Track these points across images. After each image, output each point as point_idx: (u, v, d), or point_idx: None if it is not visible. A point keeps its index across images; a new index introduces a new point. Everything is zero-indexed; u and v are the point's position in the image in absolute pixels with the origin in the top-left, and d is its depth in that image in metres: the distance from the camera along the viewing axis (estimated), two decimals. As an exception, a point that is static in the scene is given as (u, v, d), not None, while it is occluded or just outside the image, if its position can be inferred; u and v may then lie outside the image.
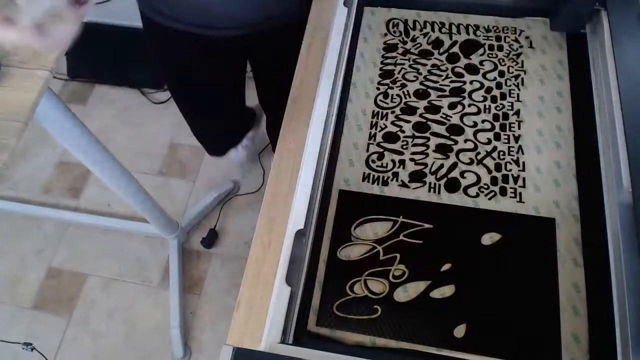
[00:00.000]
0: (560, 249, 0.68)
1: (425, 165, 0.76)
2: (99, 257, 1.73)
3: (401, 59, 0.87)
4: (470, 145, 0.77)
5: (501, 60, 0.85)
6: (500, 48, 0.86)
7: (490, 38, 0.87)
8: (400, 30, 0.90)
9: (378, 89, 0.84)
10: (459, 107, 0.81)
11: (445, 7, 0.91)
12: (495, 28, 0.89)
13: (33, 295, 1.68)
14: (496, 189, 0.74)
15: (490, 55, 0.86)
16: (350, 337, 0.65)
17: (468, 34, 0.88)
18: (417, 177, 0.75)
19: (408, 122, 0.81)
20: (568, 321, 0.63)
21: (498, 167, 0.75)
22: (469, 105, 0.81)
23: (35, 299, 1.67)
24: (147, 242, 1.73)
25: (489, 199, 0.73)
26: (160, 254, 1.71)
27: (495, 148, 0.77)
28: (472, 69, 0.85)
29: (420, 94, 0.83)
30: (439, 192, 0.74)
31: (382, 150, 0.78)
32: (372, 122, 0.81)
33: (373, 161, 0.77)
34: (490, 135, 0.78)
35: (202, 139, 1.57)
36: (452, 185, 0.74)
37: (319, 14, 0.86)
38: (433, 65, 0.86)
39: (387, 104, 0.83)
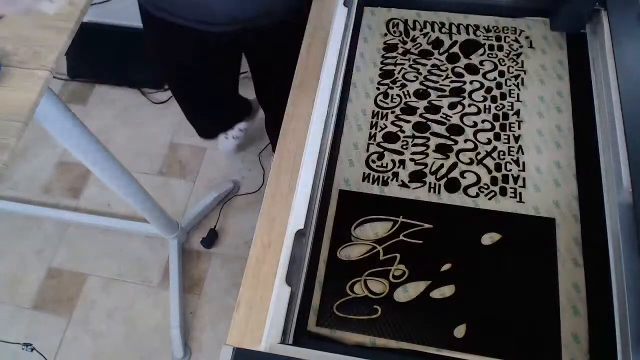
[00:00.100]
0: (560, 249, 0.68)
1: (425, 165, 0.76)
2: (99, 257, 1.72)
3: (401, 59, 0.87)
4: (470, 145, 0.77)
5: (501, 60, 0.85)
6: (500, 48, 0.86)
7: (490, 38, 0.87)
8: (400, 30, 0.90)
9: (378, 89, 0.84)
10: (459, 107, 0.81)
11: (445, 7, 0.91)
12: (495, 28, 0.89)
13: (33, 295, 1.68)
14: (496, 189, 0.74)
15: (490, 55, 0.86)
16: (350, 337, 0.65)
17: (468, 34, 0.88)
18: (417, 177, 0.75)
19: (408, 122, 0.81)
20: (568, 321, 0.63)
21: (498, 167, 0.75)
22: (469, 105, 0.81)
23: (35, 299, 1.67)
24: (147, 242, 1.73)
25: (489, 199, 0.73)
26: (160, 254, 1.71)
27: (495, 148, 0.77)
28: (472, 69, 0.85)
29: (420, 94, 0.83)
30: (439, 192, 0.74)
31: (382, 150, 0.78)
32: (372, 122, 0.81)
33: (373, 161, 0.77)
34: (490, 135, 0.78)
35: (193, 122, 1.59)
36: (452, 185, 0.74)
37: (319, 14, 0.86)
38: (433, 65, 0.86)
39: (387, 104, 0.83)
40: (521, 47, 0.86)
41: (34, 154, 1.96)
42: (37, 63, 0.82)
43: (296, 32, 0.89)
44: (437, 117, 0.80)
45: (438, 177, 0.75)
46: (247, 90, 1.40)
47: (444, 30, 0.89)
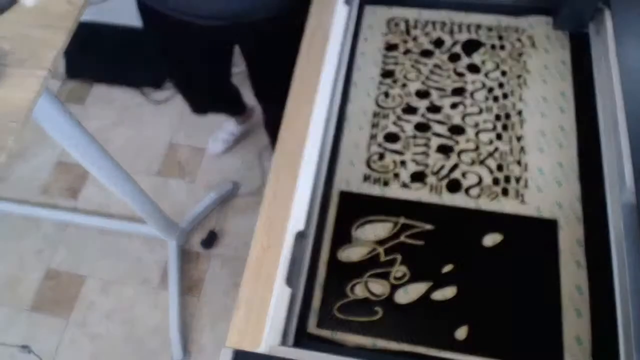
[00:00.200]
0: (562, 250, 0.67)
1: (427, 165, 0.76)
2: (98, 258, 1.72)
3: (402, 59, 0.86)
4: (472, 145, 0.77)
5: (503, 60, 0.84)
6: (502, 47, 0.86)
7: (492, 37, 0.87)
8: (402, 29, 0.90)
9: (379, 88, 0.84)
10: (461, 107, 0.80)
11: (447, 6, 0.91)
12: (497, 27, 0.88)
13: (31, 296, 1.67)
14: (498, 189, 0.73)
15: (492, 55, 0.85)
16: (351, 339, 0.64)
17: (470, 33, 0.88)
18: (418, 177, 0.75)
19: (409, 122, 0.80)
20: (570, 323, 0.63)
21: (500, 168, 0.75)
22: (471, 105, 0.80)
23: (33, 300, 1.66)
24: (147, 243, 1.73)
25: (491, 199, 0.72)
26: (160, 255, 1.70)
27: (497, 148, 0.76)
28: (473, 69, 0.84)
29: (422, 94, 0.82)
30: (440, 193, 0.73)
31: (383, 150, 0.78)
32: (373, 122, 0.81)
33: (374, 161, 0.77)
34: (492, 135, 0.77)
35: (186, 99, 1.59)
36: (454, 186, 0.74)
37: (319, 13, 0.85)
38: (434, 65, 0.85)
39: (388, 103, 0.82)
40: (523, 46, 0.85)
41: (33, 154, 1.95)
42: (35, 62, 0.81)
43: (290, 29, 0.89)
44: (438, 117, 0.80)
45: (439, 177, 0.75)
46: (246, 92, 1.39)
47: (445, 29, 0.89)
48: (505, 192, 0.73)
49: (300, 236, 0.67)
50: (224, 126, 1.84)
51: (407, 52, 0.87)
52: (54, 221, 1.79)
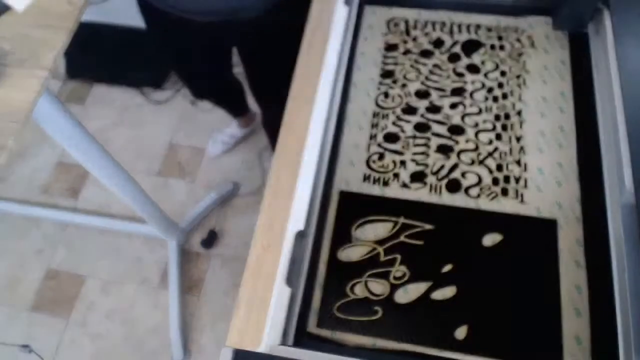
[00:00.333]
0: (562, 250, 0.68)
1: (426, 165, 0.76)
2: (98, 258, 1.72)
3: (402, 59, 0.86)
4: (471, 145, 0.77)
5: (503, 60, 0.84)
6: (502, 47, 0.86)
7: (491, 37, 0.87)
8: (401, 29, 0.90)
9: (379, 88, 0.84)
10: (460, 107, 0.81)
11: (447, 7, 0.91)
12: (496, 27, 0.88)
13: (32, 296, 1.67)
14: (498, 189, 0.73)
15: (491, 55, 0.85)
16: (351, 339, 0.64)
17: (469, 33, 0.88)
18: (418, 177, 0.75)
19: (409, 122, 0.80)
20: (570, 322, 0.63)
21: (499, 168, 0.75)
22: (470, 105, 0.81)
23: (33, 300, 1.66)
24: (147, 243, 1.73)
25: (491, 199, 0.72)
26: (160, 254, 1.70)
27: (496, 148, 0.76)
28: (473, 69, 0.84)
29: (422, 94, 0.83)
30: (440, 193, 0.73)
31: (382, 150, 0.78)
32: (372, 122, 0.81)
33: (374, 161, 0.77)
34: (492, 135, 0.78)
35: (185, 85, 1.60)
36: (454, 186, 0.74)
37: (319, 13, 0.85)
38: (434, 65, 0.85)
39: (388, 103, 0.82)
40: (523, 46, 0.86)
41: (33, 154, 1.95)
42: (36, 63, 0.81)
43: (286, 28, 0.89)
44: (438, 117, 0.80)
45: (439, 177, 0.75)
46: (250, 95, 1.40)
47: (445, 29, 0.89)
48: (504, 192, 0.73)
49: (300, 236, 0.67)
50: (226, 128, 1.85)
51: (406, 52, 0.87)
52: (54, 221, 1.79)
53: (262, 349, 0.58)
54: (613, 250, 0.65)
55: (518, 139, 0.77)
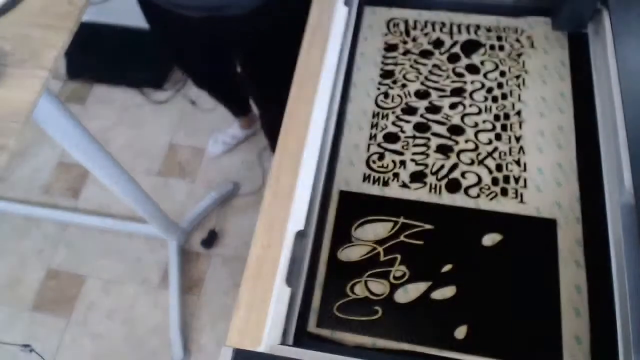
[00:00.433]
0: (561, 250, 0.68)
1: (426, 165, 0.76)
2: (98, 257, 1.72)
3: (402, 59, 0.86)
4: (471, 145, 0.77)
5: (502, 60, 0.85)
6: (502, 48, 0.86)
7: (491, 38, 0.87)
8: (401, 29, 0.90)
9: (379, 88, 0.84)
10: (460, 107, 0.81)
11: (446, 7, 0.91)
12: (496, 28, 0.88)
13: (32, 296, 1.67)
14: (497, 189, 0.73)
15: (491, 55, 0.85)
16: (351, 339, 0.64)
17: (469, 33, 0.88)
18: (418, 177, 0.75)
19: (409, 122, 0.80)
20: (569, 322, 0.63)
21: (499, 168, 0.75)
22: (470, 106, 0.81)
23: (34, 300, 1.66)
24: (147, 242, 1.73)
25: (490, 199, 0.72)
26: (160, 254, 1.70)
27: (496, 148, 0.76)
28: (473, 69, 0.84)
29: (421, 94, 0.83)
30: (439, 193, 0.74)
31: (382, 150, 0.78)
32: (372, 122, 0.81)
33: (374, 161, 0.77)
34: (492, 135, 0.78)
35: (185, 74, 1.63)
36: (453, 186, 0.74)
37: (319, 13, 0.85)
38: (434, 65, 0.85)
39: (388, 104, 0.82)
40: (522, 46, 0.86)
41: (33, 154, 1.95)
42: (36, 63, 0.81)
43: (276, 28, 0.90)
44: (437, 117, 0.80)
45: (439, 177, 0.75)
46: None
47: (444, 30, 0.89)
48: (504, 192, 0.73)
49: (300, 236, 0.67)
50: (227, 129, 1.85)
51: (406, 52, 0.87)
52: (54, 221, 1.79)
53: (262, 348, 0.58)
54: (612, 250, 0.65)
55: (518, 139, 0.77)
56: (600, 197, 0.70)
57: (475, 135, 0.78)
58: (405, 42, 0.88)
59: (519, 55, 0.85)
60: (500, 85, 0.82)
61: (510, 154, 0.76)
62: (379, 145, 0.78)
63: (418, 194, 0.74)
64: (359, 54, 0.88)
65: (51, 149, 1.95)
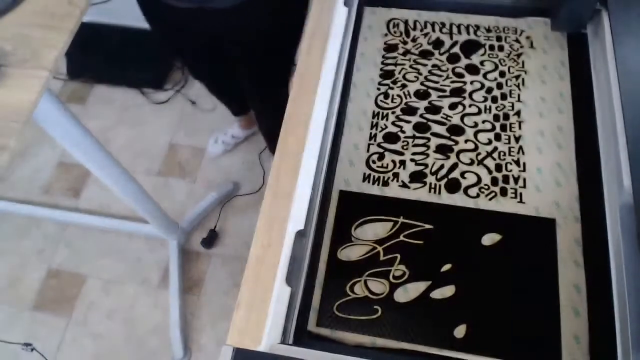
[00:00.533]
0: (561, 249, 0.68)
1: (426, 165, 0.76)
2: (98, 257, 1.72)
3: (402, 59, 0.87)
4: (470, 145, 0.77)
5: (502, 61, 0.85)
6: (501, 48, 0.86)
7: (490, 38, 0.87)
8: (401, 30, 0.90)
9: (378, 89, 0.84)
10: (460, 108, 0.81)
11: (446, 7, 0.91)
12: (495, 28, 0.88)
13: (33, 295, 1.67)
14: (497, 189, 0.73)
15: (490, 56, 0.85)
16: (351, 338, 0.64)
17: (469, 34, 0.88)
18: (418, 177, 0.75)
19: (408, 122, 0.80)
20: (568, 322, 0.63)
21: (499, 168, 0.75)
22: (470, 106, 0.81)
23: (35, 300, 1.67)
24: (147, 242, 1.73)
25: (490, 199, 0.73)
26: (160, 254, 1.71)
27: (495, 148, 0.77)
28: (472, 69, 0.84)
29: (421, 94, 0.83)
30: (439, 193, 0.74)
31: (382, 150, 0.78)
32: (372, 122, 0.81)
33: (373, 161, 0.77)
34: (491, 135, 0.78)
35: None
36: (453, 186, 0.74)
37: (318, 14, 0.86)
38: (434, 66, 0.85)
39: (388, 104, 0.82)
40: (522, 47, 0.86)
41: (34, 154, 1.95)
42: (37, 63, 0.82)
43: (265, 24, 0.90)
44: (437, 117, 0.80)
45: (438, 177, 0.75)
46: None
47: (444, 30, 0.89)
48: (503, 191, 0.73)
49: (300, 235, 0.67)
50: (227, 129, 1.85)
51: (406, 52, 0.87)
52: (54, 221, 1.79)
53: (262, 347, 0.58)
54: (611, 249, 0.65)
55: (517, 139, 0.77)
56: (599, 197, 0.70)
57: (475, 135, 0.78)
58: (405, 43, 0.88)
59: (519, 55, 0.85)
60: (499, 86, 0.82)
61: (509, 154, 0.76)
62: (378, 145, 0.79)
63: (418, 193, 0.74)
64: (359, 54, 0.88)
65: (51, 149, 1.95)
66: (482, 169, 0.75)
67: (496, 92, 0.82)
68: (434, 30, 0.89)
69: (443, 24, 0.90)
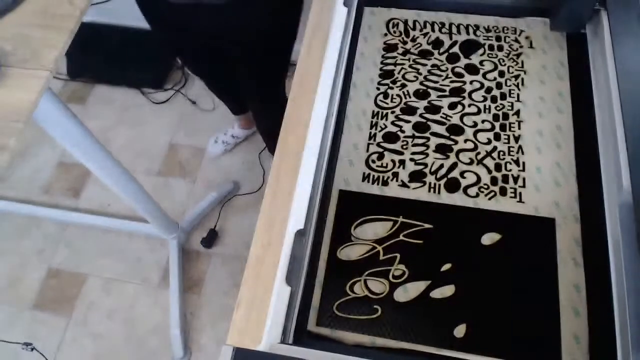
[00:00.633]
0: (560, 249, 0.68)
1: (425, 165, 0.76)
2: (99, 257, 1.72)
3: (401, 59, 0.87)
4: (470, 145, 0.77)
5: (501, 60, 0.85)
6: (500, 48, 0.86)
7: (490, 38, 0.87)
8: (400, 30, 0.90)
9: (378, 89, 0.84)
10: (459, 107, 0.81)
11: (445, 7, 0.91)
12: (495, 28, 0.88)
13: (33, 295, 1.68)
14: (496, 189, 0.73)
15: (490, 55, 0.86)
16: (351, 337, 0.65)
17: (468, 34, 0.88)
18: (417, 177, 0.75)
19: (408, 122, 0.81)
20: (568, 321, 0.63)
21: (498, 167, 0.75)
22: (469, 105, 0.81)
23: (35, 299, 1.67)
24: (147, 242, 1.73)
25: (489, 199, 0.73)
26: (160, 254, 1.71)
27: (495, 148, 0.77)
28: (472, 69, 0.84)
29: (420, 94, 0.83)
30: (439, 192, 0.74)
31: (382, 150, 0.78)
32: (372, 122, 0.81)
33: (373, 161, 0.77)
34: (490, 135, 0.78)
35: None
36: (452, 185, 0.74)
37: (318, 14, 0.86)
38: (433, 65, 0.85)
39: (387, 104, 0.83)
40: (521, 47, 0.86)
41: (34, 154, 1.96)
42: (37, 63, 0.82)
43: (260, 22, 0.90)
44: (437, 117, 0.80)
45: (438, 177, 0.75)
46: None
47: (444, 30, 0.89)
48: (503, 191, 0.73)
49: (300, 235, 0.67)
50: (228, 129, 1.85)
51: (406, 52, 0.87)
52: (55, 221, 1.80)
53: (262, 347, 0.58)
54: (611, 249, 0.65)
55: (516, 139, 0.77)
56: (599, 196, 0.70)
57: (474, 135, 0.78)
58: (404, 43, 0.89)
59: (518, 55, 0.85)
60: (499, 85, 0.82)
61: (509, 153, 0.76)
62: (378, 144, 0.79)
63: (417, 193, 0.74)
64: (358, 54, 0.88)
65: (51, 149, 1.95)
66: (482, 168, 0.75)
67: (495, 92, 0.82)
68: (433, 30, 0.89)
69: (442, 24, 0.90)
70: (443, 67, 0.85)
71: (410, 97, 0.83)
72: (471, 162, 0.76)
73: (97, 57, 2.07)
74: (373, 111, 0.82)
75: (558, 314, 0.64)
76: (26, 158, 1.95)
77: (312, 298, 0.67)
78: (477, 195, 0.73)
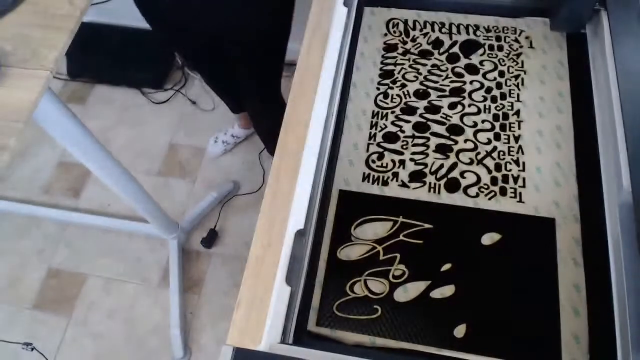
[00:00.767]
0: (560, 249, 0.68)
1: (425, 165, 0.76)
2: (99, 257, 1.72)
3: (401, 59, 0.87)
4: (470, 145, 0.77)
5: (501, 60, 0.85)
6: (500, 48, 0.86)
7: (490, 38, 0.87)
8: (400, 30, 0.90)
9: (378, 89, 0.84)
10: (459, 107, 0.81)
11: (445, 7, 0.91)
12: (495, 28, 0.88)
13: (33, 295, 1.68)
14: (496, 189, 0.73)
15: (490, 55, 0.86)
16: (350, 337, 0.65)
17: (468, 34, 0.88)
18: (417, 177, 0.75)
19: (408, 122, 0.81)
20: (568, 321, 0.63)
21: (498, 167, 0.75)
22: (469, 105, 0.81)
23: (35, 299, 1.67)
24: (147, 242, 1.73)
25: (489, 199, 0.73)
26: (160, 254, 1.71)
27: (495, 148, 0.77)
28: (472, 69, 0.84)
29: (420, 94, 0.83)
30: (439, 192, 0.74)
31: (382, 150, 0.78)
32: (372, 122, 0.81)
33: (373, 161, 0.77)
34: (490, 135, 0.78)
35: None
36: (452, 185, 0.74)
37: (318, 14, 0.86)
38: (433, 65, 0.86)
39: (387, 104, 0.83)
40: (521, 47, 0.86)
41: (33, 154, 1.96)
42: (37, 63, 0.82)
43: (254, 22, 0.90)
44: (437, 117, 0.80)
45: (438, 177, 0.75)
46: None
47: (444, 30, 0.89)
48: (503, 191, 0.73)
49: (300, 235, 0.67)
50: (228, 129, 1.85)
51: (405, 52, 0.87)
52: (55, 221, 1.80)
53: (262, 347, 0.58)
54: (611, 249, 0.65)
55: (516, 139, 0.77)
56: (599, 196, 0.70)
57: (474, 135, 0.78)
58: (404, 42, 0.89)
59: (518, 55, 0.85)
60: (499, 85, 0.82)
61: (509, 153, 0.76)
62: (378, 144, 0.79)
63: (417, 193, 0.74)
64: (358, 54, 0.88)
65: (51, 149, 1.96)
66: (482, 168, 0.75)
67: (495, 92, 0.82)
68: (433, 30, 0.89)
69: (442, 24, 0.90)
70: (443, 67, 0.85)
71: (410, 97, 0.83)
72: (471, 162, 0.76)
73: (97, 57, 2.07)
74: (373, 111, 0.82)
75: (558, 314, 0.64)
76: (26, 158, 1.95)
77: (312, 298, 0.67)
78: (477, 195, 0.73)
